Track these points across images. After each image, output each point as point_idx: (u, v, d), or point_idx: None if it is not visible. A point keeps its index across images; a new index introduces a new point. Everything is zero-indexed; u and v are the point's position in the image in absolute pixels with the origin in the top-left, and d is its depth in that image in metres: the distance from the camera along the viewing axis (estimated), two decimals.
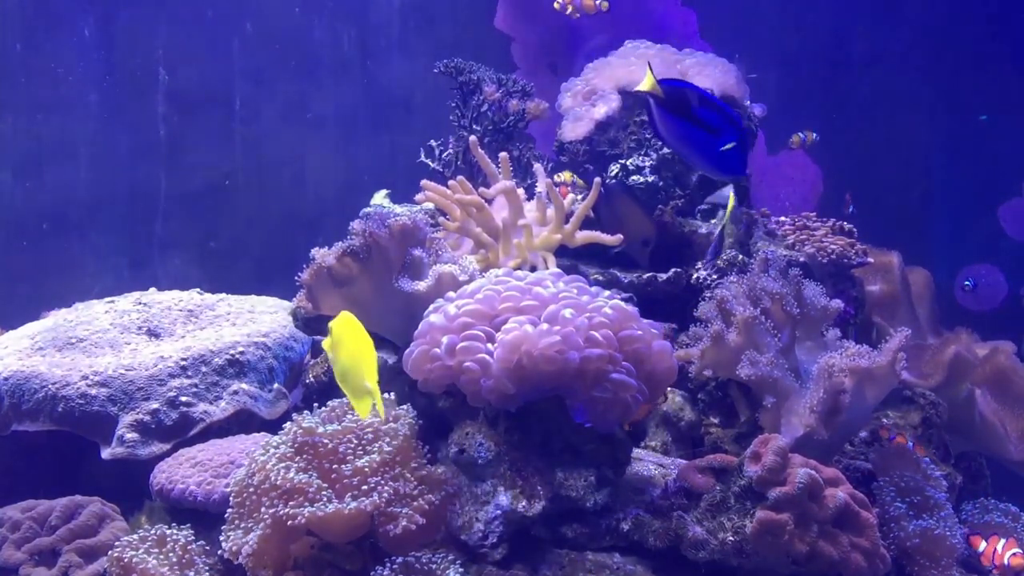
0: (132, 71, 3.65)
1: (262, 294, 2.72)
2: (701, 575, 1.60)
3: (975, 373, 2.31)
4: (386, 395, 1.69)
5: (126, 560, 1.57)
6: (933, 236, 3.89)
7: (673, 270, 2.30)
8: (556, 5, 2.83)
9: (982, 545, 1.91)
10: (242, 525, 1.55)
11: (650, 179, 2.52)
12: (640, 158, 2.55)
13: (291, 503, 1.49)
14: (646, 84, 1.85)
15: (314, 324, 2.09)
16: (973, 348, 2.34)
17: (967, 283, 3.13)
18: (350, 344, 1.42)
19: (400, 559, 1.48)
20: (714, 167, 1.88)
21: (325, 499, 1.49)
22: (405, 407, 1.66)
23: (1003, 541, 1.90)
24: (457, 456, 1.65)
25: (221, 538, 1.56)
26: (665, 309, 2.22)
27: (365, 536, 1.56)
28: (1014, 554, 1.87)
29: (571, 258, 2.33)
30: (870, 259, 2.39)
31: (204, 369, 2.19)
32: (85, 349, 2.25)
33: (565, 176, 2.59)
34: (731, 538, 1.56)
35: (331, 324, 1.44)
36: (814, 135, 3.22)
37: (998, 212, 3.79)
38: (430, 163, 2.77)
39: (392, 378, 2.01)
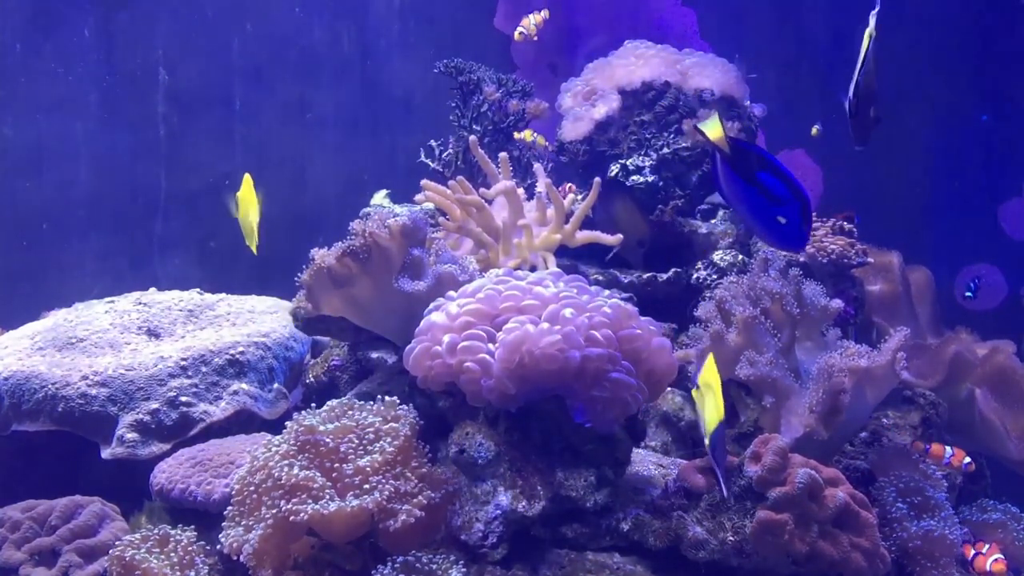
0: (132, 71, 3.65)
1: (262, 294, 2.72)
2: (701, 575, 1.60)
3: (975, 373, 2.31)
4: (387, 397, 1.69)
5: (128, 559, 1.58)
6: (933, 236, 3.88)
7: (673, 270, 2.31)
8: (518, 36, 2.83)
9: (971, 552, 1.89)
10: (243, 523, 1.55)
11: (650, 179, 2.52)
12: (640, 158, 2.56)
13: (294, 500, 1.49)
14: (713, 132, 1.80)
15: (314, 324, 2.09)
16: (973, 348, 2.33)
17: (968, 294, 3.13)
18: (242, 200, 2.04)
19: (401, 559, 1.48)
20: (770, 236, 1.81)
21: (328, 497, 1.49)
22: (406, 407, 1.66)
23: (987, 547, 1.88)
24: (457, 456, 1.65)
25: (221, 535, 1.56)
26: (665, 309, 2.22)
27: (365, 536, 1.56)
28: (995, 560, 1.84)
29: (571, 258, 2.33)
30: (870, 259, 2.39)
31: (204, 369, 2.19)
32: (85, 349, 2.25)
33: (526, 135, 2.60)
34: (731, 538, 1.56)
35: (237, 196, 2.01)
36: (817, 127, 3.21)
37: (998, 212, 3.79)
38: (430, 163, 2.77)
39: (392, 378, 2.02)
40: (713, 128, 1.73)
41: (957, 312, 3.04)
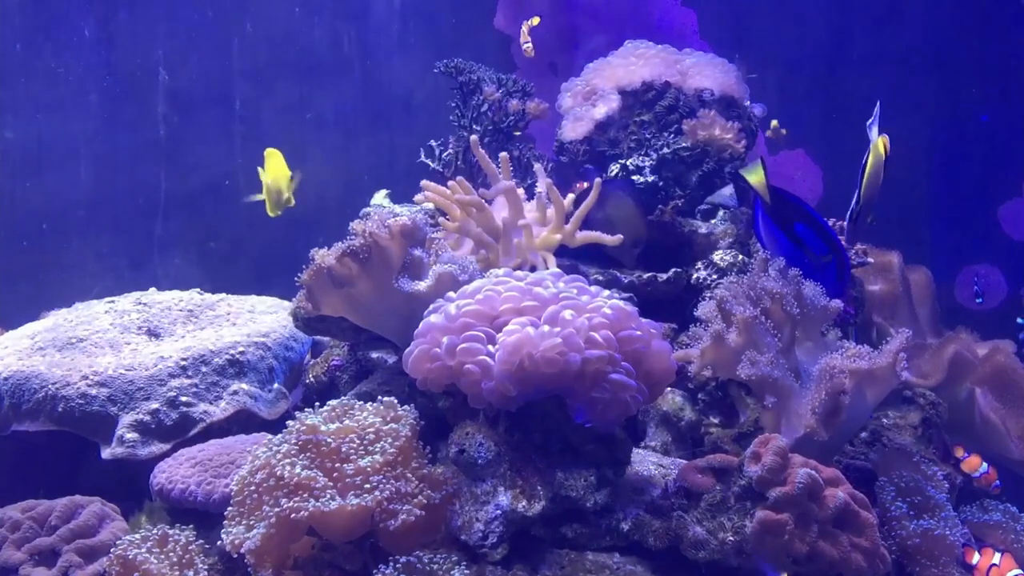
0: (132, 71, 3.65)
1: (262, 294, 2.72)
2: (701, 575, 1.60)
3: (975, 372, 2.31)
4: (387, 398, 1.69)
5: (128, 559, 1.57)
6: (933, 236, 3.88)
7: (673, 270, 2.30)
8: (528, 52, 2.79)
9: (975, 558, 1.87)
10: (243, 522, 1.55)
11: (650, 179, 2.52)
12: (640, 158, 2.56)
13: (295, 498, 1.49)
14: (755, 178, 1.77)
15: (314, 324, 2.09)
16: (973, 348, 2.33)
17: (979, 300, 3.14)
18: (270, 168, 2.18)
19: (403, 559, 1.48)
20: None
21: (329, 496, 1.49)
22: (407, 408, 1.66)
23: (998, 555, 1.85)
24: (457, 456, 1.65)
25: (222, 532, 1.56)
26: (665, 309, 2.22)
27: (365, 536, 1.56)
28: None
29: (571, 258, 2.33)
30: (870, 259, 2.39)
31: (204, 369, 2.19)
32: (85, 349, 2.25)
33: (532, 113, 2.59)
34: (731, 538, 1.56)
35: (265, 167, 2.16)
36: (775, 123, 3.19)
37: (998, 212, 3.79)
38: (430, 163, 2.77)
39: (392, 378, 2.02)
40: (756, 175, 1.72)
41: (957, 312, 3.04)
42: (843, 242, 1.78)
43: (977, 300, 3.14)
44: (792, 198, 1.84)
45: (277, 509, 1.49)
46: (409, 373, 1.68)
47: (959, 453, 2.09)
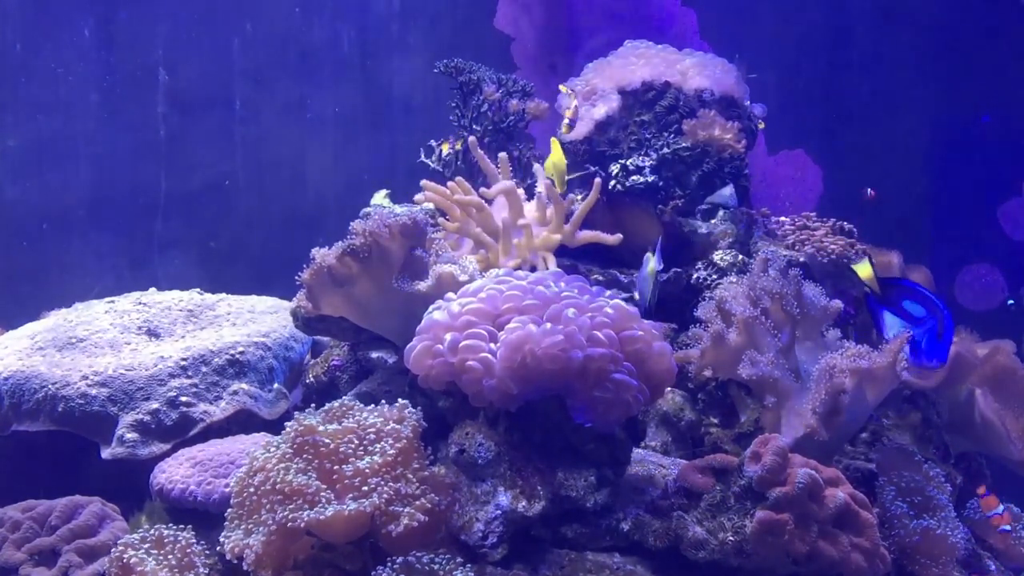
0: (132, 71, 3.66)
1: (262, 294, 2.72)
2: (701, 575, 1.60)
3: (975, 373, 2.31)
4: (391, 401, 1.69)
5: (126, 560, 1.57)
6: (933, 236, 3.88)
7: (673, 270, 2.30)
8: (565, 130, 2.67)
9: None
10: (243, 526, 1.55)
11: (650, 179, 2.52)
12: (640, 158, 2.55)
13: (291, 506, 1.48)
14: (864, 273, 1.99)
15: (314, 324, 2.09)
16: (973, 348, 2.33)
17: (1011, 302, 3.16)
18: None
19: (400, 559, 1.48)
20: (912, 354, 1.90)
21: (324, 501, 1.49)
22: (411, 409, 1.66)
23: None
24: (457, 456, 1.65)
25: (221, 538, 1.55)
26: (665, 309, 2.22)
27: (365, 536, 1.56)
28: None
29: (571, 258, 2.33)
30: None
31: (204, 369, 2.19)
32: (85, 349, 2.25)
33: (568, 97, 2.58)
34: (731, 538, 1.56)
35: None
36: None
37: (998, 212, 3.79)
38: (430, 163, 2.77)
39: (392, 378, 2.02)
40: (865, 269, 1.98)
41: (957, 312, 3.04)
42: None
43: (1009, 302, 3.14)
44: (896, 281, 2.04)
45: (274, 516, 1.48)
46: (411, 369, 1.68)
47: (981, 491, 2.10)
